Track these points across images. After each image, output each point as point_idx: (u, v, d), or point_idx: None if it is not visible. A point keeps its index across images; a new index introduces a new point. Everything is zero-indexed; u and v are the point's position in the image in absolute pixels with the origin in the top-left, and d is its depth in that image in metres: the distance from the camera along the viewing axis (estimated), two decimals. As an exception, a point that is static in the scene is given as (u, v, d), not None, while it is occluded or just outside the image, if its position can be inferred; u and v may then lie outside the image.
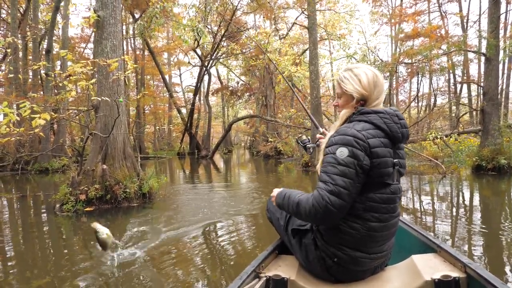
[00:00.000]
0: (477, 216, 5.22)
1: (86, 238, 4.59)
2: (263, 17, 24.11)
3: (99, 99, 5.65)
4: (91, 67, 5.81)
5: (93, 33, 8.32)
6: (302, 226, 1.84)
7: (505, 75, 20.32)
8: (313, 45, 12.38)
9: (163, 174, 12.63)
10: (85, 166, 6.65)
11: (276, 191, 1.90)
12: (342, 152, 1.54)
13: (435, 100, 17.92)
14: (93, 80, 5.38)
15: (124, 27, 25.48)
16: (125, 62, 6.37)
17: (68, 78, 6.00)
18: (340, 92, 1.78)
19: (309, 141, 2.39)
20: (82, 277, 3.19)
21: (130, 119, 25.41)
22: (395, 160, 1.64)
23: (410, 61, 11.97)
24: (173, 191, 8.42)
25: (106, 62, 5.90)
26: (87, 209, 6.16)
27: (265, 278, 1.70)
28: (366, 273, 1.73)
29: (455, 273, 1.62)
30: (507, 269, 3.09)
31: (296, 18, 18.01)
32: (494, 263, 3.23)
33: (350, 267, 1.68)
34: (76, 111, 8.97)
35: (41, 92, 15.13)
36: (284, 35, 23.60)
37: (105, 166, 6.43)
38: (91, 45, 23.99)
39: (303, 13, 15.72)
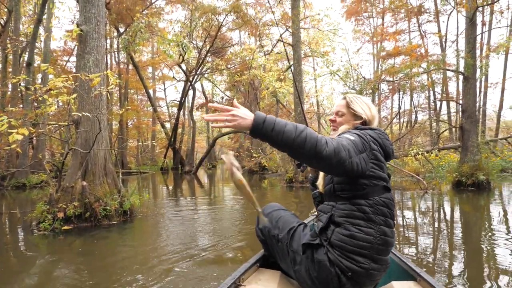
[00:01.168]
0: (457, 231, 5.25)
1: (60, 258, 4.43)
2: (248, 33, 24.34)
3: (80, 114, 5.54)
4: (73, 82, 5.71)
5: (76, 47, 8.23)
6: (313, 240, 1.76)
7: (482, 93, 20.93)
8: (297, 62, 12.52)
9: (146, 190, 12.42)
10: (64, 183, 6.48)
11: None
12: (350, 135, 1.63)
13: (416, 117, 18.26)
14: (74, 95, 5.27)
15: (108, 41, 25.37)
16: (107, 77, 6.27)
17: (48, 92, 5.89)
18: (344, 111, 1.95)
19: None
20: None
21: (113, 134, 25.10)
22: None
23: (391, 78, 12.21)
24: (155, 208, 8.27)
25: (88, 76, 5.81)
26: (65, 227, 5.96)
27: None
28: None
29: None
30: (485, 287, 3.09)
31: (281, 35, 18.22)
32: (472, 282, 3.23)
33: (362, 281, 1.67)
34: (56, 126, 8.78)
35: (21, 106, 14.82)
36: (269, 52, 23.85)
37: (85, 183, 6.27)
38: (73, 59, 23.73)
39: (287, 30, 15.93)
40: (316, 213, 3.11)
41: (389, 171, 1.80)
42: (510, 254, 3.96)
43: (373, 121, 1.94)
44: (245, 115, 1.44)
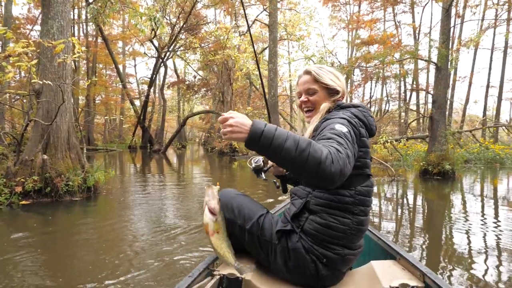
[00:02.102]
0: (420, 217, 5.35)
1: (14, 235, 4.16)
2: (224, 12, 23.79)
3: (40, 82, 5.17)
4: (34, 48, 5.31)
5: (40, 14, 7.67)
6: (285, 226, 1.62)
7: (450, 86, 21.52)
8: (273, 43, 12.33)
9: (112, 168, 12.04)
10: (23, 156, 6.10)
11: (237, 115, 1.30)
12: (341, 126, 1.44)
13: (388, 106, 18.55)
14: (35, 61, 4.89)
15: (76, 10, 24.15)
16: (73, 45, 5.89)
17: (7, 59, 5.45)
18: (314, 87, 1.75)
19: (263, 163, 2.16)
20: None
21: (79, 109, 24.15)
22: None
23: (366, 65, 12.26)
24: (121, 185, 7.99)
25: (52, 43, 5.42)
26: (23, 202, 5.64)
27: (219, 276, 1.59)
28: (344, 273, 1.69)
29: (413, 282, 1.59)
30: (442, 266, 3.13)
31: (257, 16, 17.90)
32: (432, 261, 3.26)
33: (338, 267, 1.60)
34: (15, 95, 8.22)
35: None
36: (244, 32, 23.46)
37: (45, 156, 5.93)
38: (38, 27, 22.48)
39: (265, 10, 15.63)
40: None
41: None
42: (466, 238, 4.05)
43: (345, 91, 1.80)
44: (242, 125, 1.25)
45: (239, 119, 1.26)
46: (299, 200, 1.65)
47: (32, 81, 5.00)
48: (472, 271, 3.10)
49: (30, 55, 5.43)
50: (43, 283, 2.77)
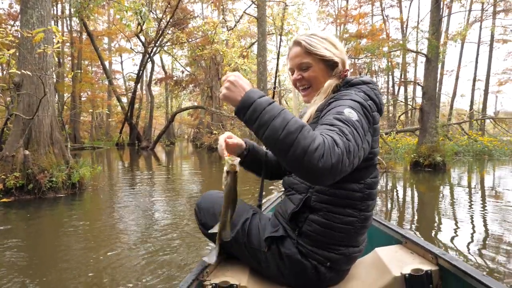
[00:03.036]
0: (412, 209, 5.29)
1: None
2: (211, 6, 23.53)
3: (19, 72, 4.93)
4: (13, 39, 5.06)
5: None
6: (276, 231, 1.42)
7: (438, 80, 21.66)
8: (262, 36, 12.17)
9: (98, 164, 11.79)
10: (4, 152, 5.85)
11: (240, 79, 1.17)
12: (351, 114, 1.17)
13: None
14: (12, 50, 4.65)
15: (59, 6, 23.65)
16: (53, 34, 5.65)
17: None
18: (308, 61, 1.44)
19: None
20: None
21: (64, 107, 23.68)
22: None
23: (356, 58, 12.20)
24: (108, 182, 7.78)
25: (31, 33, 5.18)
26: (4, 200, 5.42)
27: (211, 286, 1.40)
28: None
29: (426, 266, 1.44)
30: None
31: (245, 10, 17.69)
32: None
33: (342, 268, 1.41)
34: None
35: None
36: (232, 27, 23.23)
37: (27, 152, 5.69)
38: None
39: (253, 3, 15.44)
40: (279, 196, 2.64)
41: None
42: (460, 228, 3.98)
43: (346, 58, 1.49)
44: (240, 87, 1.14)
45: (240, 81, 1.15)
46: (297, 196, 1.42)
47: (10, 71, 4.77)
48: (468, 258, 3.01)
49: (9, 45, 5.17)
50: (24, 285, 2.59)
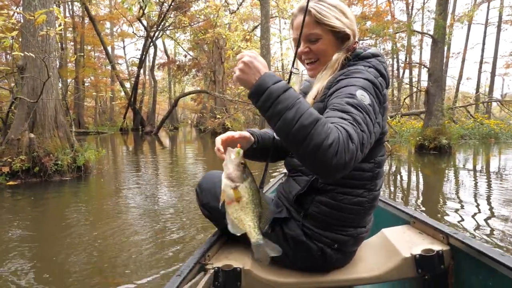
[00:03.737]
0: (416, 193, 5.28)
1: (2, 217, 3.99)
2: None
3: (22, 54, 4.90)
4: (15, 22, 5.02)
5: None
6: (279, 214, 1.36)
7: (444, 63, 21.42)
8: (265, 18, 12.01)
9: (103, 149, 11.81)
10: (9, 135, 5.86)
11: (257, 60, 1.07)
12: (364, 97, 1.09)
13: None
14: (15, 32, 4.61)
15: (61, -10, 23.40)
16: (55, 17, 5.59)
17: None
18: (318, 32, 1.30)
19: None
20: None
21: (68, 92, 23.67)
22: None
23: (361, 40, 12.02)
24: (113, 166, 7.81)
25: (33, 16, 5.12)
26: (11, 183, 5.45)
27: (213, 270, 1.34)
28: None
29: (436, 246, 1.38)
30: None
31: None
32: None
33: (350, 249, 1.36)
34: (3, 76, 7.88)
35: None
36: (235, 10, 22.94)
37: (32, 135, 5.70)
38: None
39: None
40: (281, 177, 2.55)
41: None
42: (463, 211, 3.97)
43: (356, 31, 1.37)
44: (255, 69, 1.05)
45: (256, 63, 1.05)
46: (303, 178, 1.34)
47: (13, 53, 4.74)
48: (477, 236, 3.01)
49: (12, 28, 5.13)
50: (31, 268, 2.62)
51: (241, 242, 1.50)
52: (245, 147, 1.38)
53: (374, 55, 1.31)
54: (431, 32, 10.06)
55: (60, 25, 4.96)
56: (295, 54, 1.32)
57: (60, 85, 21.55)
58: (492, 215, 3.81)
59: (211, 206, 1.49)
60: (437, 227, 1.47)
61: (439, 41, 9.52)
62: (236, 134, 1.32)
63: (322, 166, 0.93)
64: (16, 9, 22.75)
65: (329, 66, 1.31)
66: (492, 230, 3.27)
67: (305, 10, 1.25)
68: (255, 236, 1.11)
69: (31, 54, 4.91)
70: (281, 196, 1.46)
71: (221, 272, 1.34)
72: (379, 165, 1.32)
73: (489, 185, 5.48)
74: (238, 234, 1.13)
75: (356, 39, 1.37)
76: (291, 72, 1.36)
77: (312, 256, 1.33)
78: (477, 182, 5.78)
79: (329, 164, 0.91)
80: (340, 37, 1.32)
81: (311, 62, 1.38)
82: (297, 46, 1.32)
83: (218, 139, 1.24)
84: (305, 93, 1.48)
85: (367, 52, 1.31)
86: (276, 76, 1.04)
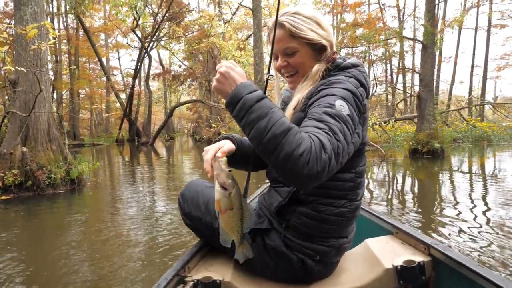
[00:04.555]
0: (412, 195, 5.31)
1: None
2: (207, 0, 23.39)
3: (12, 69, 4.93)
4: (6, 36, 5.06)
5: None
6: (261, 224, 1.36)
7: (435, 67, 21.63)
8: (258, 27, 12.11)
9: (98, 161, 11.80)
10: (1, 149, 5.86)
11: (233, 69, 1.10)
12: (343, 107, 1.09)
13: (376, 88, 18.53)
14: (6, 47, 4.65)
15: (55, 2, 23.54)
16: (47, 30, 5.63)
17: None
18: (294, 46, 1.30)
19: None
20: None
21: (63, 104, 23.67)
22: None
23: (353, 47, 12.17)
24: (108, 178, 7.81)
25: (24, 30, 5.17)
26: (3, 197, 5.43)
27: (192, 282, 1.32)
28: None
29: (418, 257, 1.39)
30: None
31: (241, 2, 17.61)
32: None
33: (332, 260, 1.36)
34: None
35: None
36: (228, 20, 23.11)
37: (25, 149, 5.71)
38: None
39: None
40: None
41: None
42: (456, 214, 4.00)
43: (333, 41, 1.37)
44: (231, 80, 1.07)
45: (232, 73, 1.08)
46: (285, 188, 1.34)
47: (4, 67, 4.76)
48: (469, 247, 3.03)
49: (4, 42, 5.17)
50: (21, 283, 2.62)
51: (223, 253, 1.50)
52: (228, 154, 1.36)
53: (354, 65, 1.31)
54: (422, 38, 10.19)
55: (53, 38, 4.98)
56: (270, 62, 1.36)
57: (55, 96, 21.61)
58: (483, 218, 3.84)
59: (193, 216, 1.50)
60: (418, 237, 1.48)
61: (429, 47, 9.64)
62: (224, 150, 1.25)
63: (293, 176, 0.94)
64: (9, 22, 22.91)
65: (309, 77, 1.31)
66: (483, 235, 3.30)
67: (275, 25, 1.28)
68: (239, 239, 1.15)
69: (23, 69, 4.94)
70: (263, 207, 1.46)
71: (200, 284, 1.32)
72: (360, 175, 1.32)
73: (481, 187, 5.53)
74: (229, 246, 1.17)
75: (334, 50, 1.38)
76: (267, 80, 1.38)
77: (293, 268, 1.32)
78: (468, 184, 5.83)
79: (300, 174, 0.91)
80: (317, 49, 1.33)
81: (290, 75, 1.38)
82: (270, 59, 1.36)
83: (207, 160, 1.17)
84: (286, 103, 1.49)
85: (347, 62, 1.31)
86: (252, 86, 1.06)
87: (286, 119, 0.99)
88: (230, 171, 1.09)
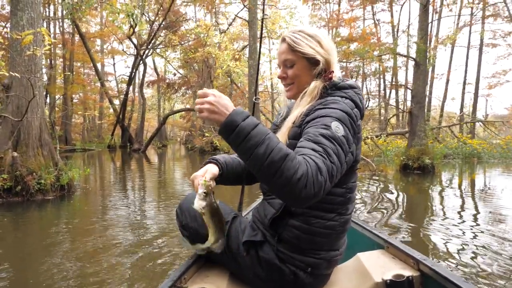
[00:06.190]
0: (400, 211, 5.34)
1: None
2: (204, 9, 23.56)
3: (7, 74, 4.92)
4: (2, 41, 5.06)
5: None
6: (255, 235, 1.42)
7: (428, 84, 21.92)
8: (253, 39, 12.23)
9: (90, 167, 11.72)
10: (-8, 153, 5.82)
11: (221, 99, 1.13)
12: (338, 128, 1.17)
13: (368, 103, 18.71)
14: (1, 52, 4.65)
15: (51, 7, 23.54)
16: (43, 36, 5.64)
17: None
18: (292, 58, 1.42)
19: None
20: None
21: (56, 108, 23.55)
22: None
23: (347, 62, 12.31)
24: (98, 184, 7.76)
25: (20, 35, 5.17)
26: (-8, 202, 5.39)
27: None
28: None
29: (407, 272, 1.44)
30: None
31: (238, 13, 17.78)
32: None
33: (324, 272, 1.42)
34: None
35: None
36: (225, 30, 23.27)
37: (15, 154, 5.68)
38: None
39: (245, 7, 15.53)
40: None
41: None
42: (448, 232, 4.04)
43: (332, 58, 1.44)
44: (222, 107, 1.10)
45: (222, 101, 1.11)
46: (277, 201, 1.39)
47: (-1, 73, 4.76)
48: (457, 262, 3.06)
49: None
50: None
51: (218, 264, 1.56)
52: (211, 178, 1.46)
53: (351, 87, 1.40)
54: (415, 55, 10.35)
55: (49, 45, 5.00)
56: (256, 87, 1.43)
57: (48, 100, 21.51)
58: (472, 233, 3.88)
59: (190, 227, 1.54)
60: (408, 252, 1.53)
61: (421, 64, 9.79)
62: (206, 178, 1.35)
63: (292, 198, 1.01)
64: (5, 25, 22.85)
65: (307, 93, 1.40)
66: (470, 250, 3.34)
67: (260, 45, 1.37)
68: (213, 238, 1.33)
69: (17, 75, 4.94)
70: (256, 220, 1.51)
71: None
72: (350, 190, 1.38)
73: (470, 203, 5.59)
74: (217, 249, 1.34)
75: (332, 69, 1.45)
76: (254, 103, 1.46)
77: (285, 280, 1.36)
78: (459, 200, 5.89)
79: (298, 196, 0.98)
80: (313, 63, 1.42)
81: (287, 84, 1.49)
82: (256, 84, 1.44)
83: (195, 187, 1.34)
84: (282, 117, 1.56)
85: (344, 83, 1.40)
86: (245, 112, 1.11)
87: (282, 145, 1.05)
88: (205, 192, 1.24)
